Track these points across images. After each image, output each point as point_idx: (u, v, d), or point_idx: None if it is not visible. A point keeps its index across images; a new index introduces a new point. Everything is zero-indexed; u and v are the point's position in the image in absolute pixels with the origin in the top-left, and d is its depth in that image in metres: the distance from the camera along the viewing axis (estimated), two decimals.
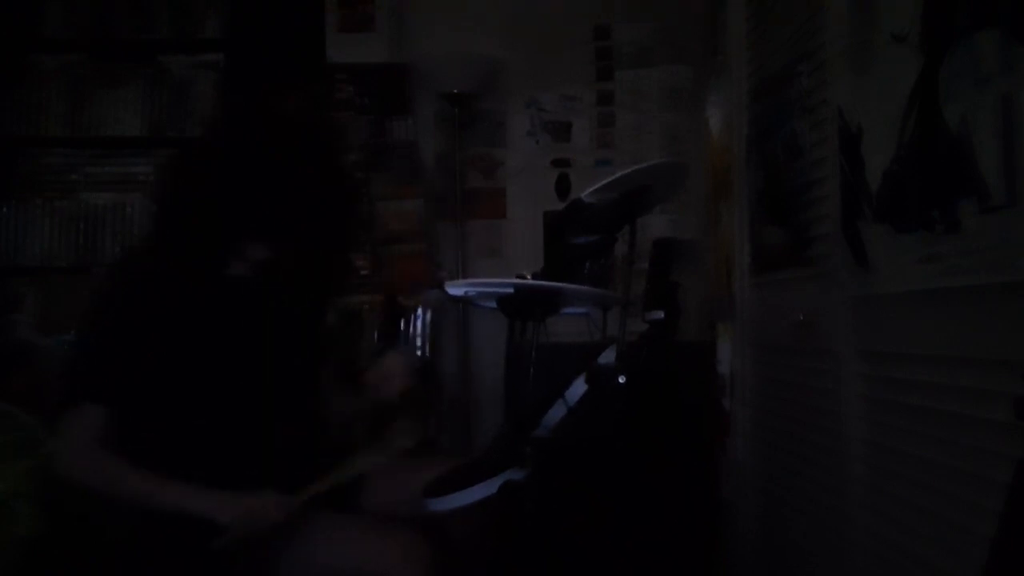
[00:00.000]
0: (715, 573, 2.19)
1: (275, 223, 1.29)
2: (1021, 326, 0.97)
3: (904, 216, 1.25)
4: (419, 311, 2.85)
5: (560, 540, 1.74)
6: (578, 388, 1.49)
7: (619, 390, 1.44)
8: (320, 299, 1.53)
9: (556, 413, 1.48)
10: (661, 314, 1.56)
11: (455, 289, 1.55)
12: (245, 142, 1.31)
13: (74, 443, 1.23)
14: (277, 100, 1.40)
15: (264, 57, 2.78)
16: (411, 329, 2.86)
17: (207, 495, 1.21)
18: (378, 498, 1.44)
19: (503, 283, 1.50)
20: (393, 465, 1.47)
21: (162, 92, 2.86)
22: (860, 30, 1.40)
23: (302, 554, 1.25)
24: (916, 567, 1.25)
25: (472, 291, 1.56)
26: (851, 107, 1.44)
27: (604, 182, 1.51)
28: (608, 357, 1.51)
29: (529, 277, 1.56)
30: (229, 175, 1.27)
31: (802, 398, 1.73)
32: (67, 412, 1.23)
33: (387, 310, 2.82)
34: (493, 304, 1.58)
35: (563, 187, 2.99)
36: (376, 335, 2.81)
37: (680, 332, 1.65)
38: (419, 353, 2.81)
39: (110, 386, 1.24)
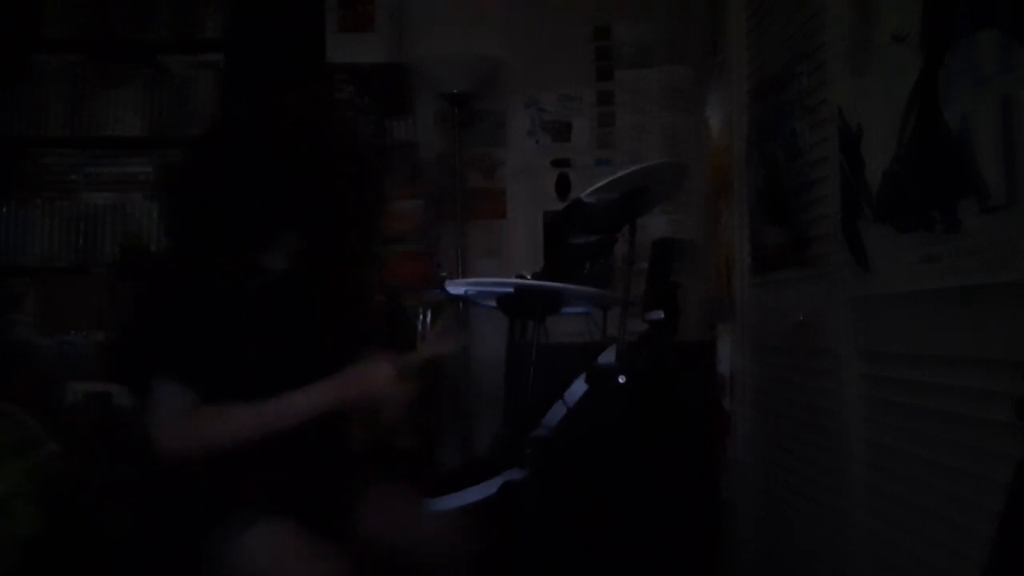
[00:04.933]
0: (715, 573, 2.19)
1: (310, 212, 1.31)
2: (1021, 326, 0.97)
3: (904, 216, 1.25)
4: (419, 311, 2.85)
5: (560, 540, 1.74)
6: (578, 388, 1.49)
7: (619, 390, 1.44)
8: (356, 284, 1.55)
9: (556, 413, 1.48)
10: (661, 314, 1.56)
11: (455, 289, 1.55)
12: (274, 133, 1.32)
13: (173, 416, 1.25)
14: (295, 93, 1.42)
15: (264, 57, 2.78)
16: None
17: (323, 387, 1.27)
18: (372, 524, 1.44)
19: (503, 283, 1.50)
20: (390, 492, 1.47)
21: (162, 92, 2.86)
22: (860, 30, 1.40)
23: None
24: (916, 567, 1.25)
25: (472, 291, 1.56)
26: (851, 107, 1.44)
27: (604, 182, 1.51)
28: (608, 357, 1.52)
29: (529, 277, 1.57)
30: (261, 168, 1.29)
31: (802, 398, 1.73)
32: (153, 393, 1.25)
33: (387, 310, 2.82)
34: (493, 304, 1.58)
35: (563, 187, 2.98)
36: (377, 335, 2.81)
37: (680, 332, 1.65)
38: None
39: (190, 366, 1.26)
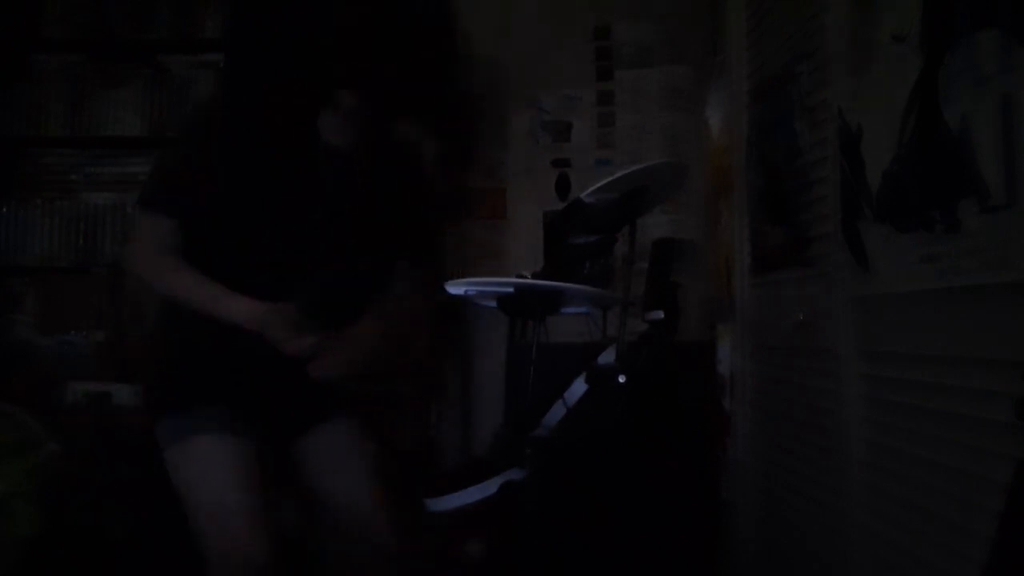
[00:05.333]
0: (715, 573, 2.19)
1: (361, 63, 1.27)
2: (1021, 326, 0.97)
3: (904, 216, 1.25)
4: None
5: (560, 540, 1.74)
6: (578, 388, 1.49)
7: (619, 390, 1.44)
8: (417, 174, 1.50)
9: (556, 413, 1.48)
10: (661, 314, 1.56)
11: (455, 289, 1.55)
12: None
13: (142, 245, 1.32)
14: None
15: (264, 57, 2.78)
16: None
17: (234, 300, 1.27)
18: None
19: (503, 283, 1.50)
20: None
21: (162, 92, 2.86)
22: (860, 30, 1.40)
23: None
24: (916, 567, 1.25)
25: (472, 291, 1.56)
26: (851, 107, 1.44)
27: (604, 182, 1.51)
28: (608, 357, 1.52)
29: (529, 277, 1.57)
30: (314, 17, 1.30)
31: (802, 398, 1.73)
32: (140, 220, 1.32)
33: None
34: (493, 304, 1.58)
35: (563, 187, 2.98)
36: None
37: (680, 332, 1.65)
38: None
39: (178, 202, 1.30)
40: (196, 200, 1.29)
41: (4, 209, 2.80)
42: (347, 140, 1.36)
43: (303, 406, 1.42)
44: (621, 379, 1.45)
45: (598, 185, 1.53)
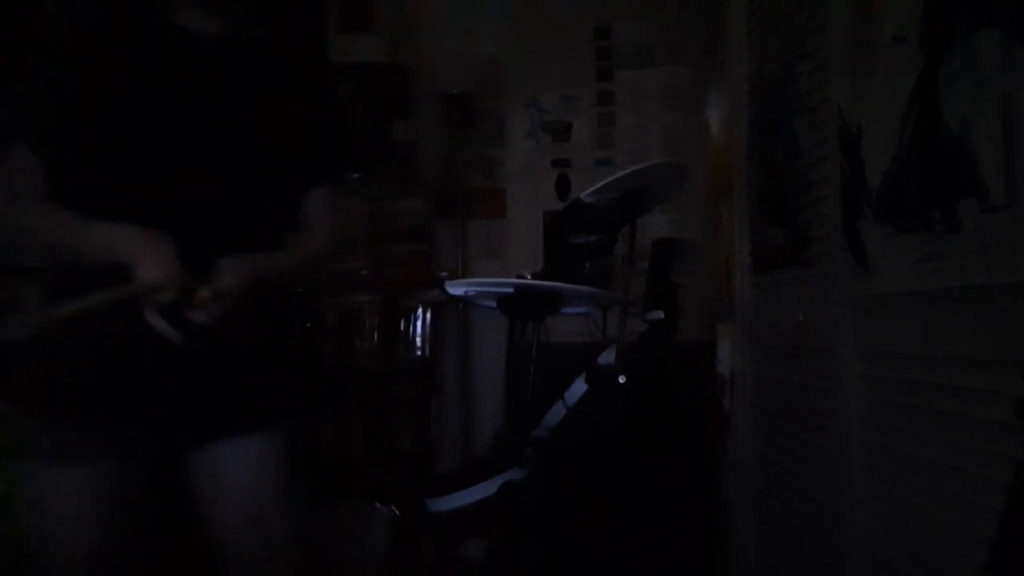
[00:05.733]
0: (715, 573, 2.19)
1: None
2: (1021, 326, 0.97)
3: (904, 216, 1.25)
4: (419, 311, 2.85)
5: (560, 540, 1.74)
6: (578, 388, 1.49)
7: (619, 390, 1.44)
8: (303, 75, 1.30)
9: (556, 413, 1.49)
10: (661, 314, 1.56)
11: (455, 289, 1.55)
12: None
13: (12, 193, 1.15)
14: None
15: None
16: (411, 329, 2.86)
17: (114, 232, 1.07)
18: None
19: (503, 283, 1.50)
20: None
21: None
22: (860, 30, 1.40)
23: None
24: (916, 567, 1.25)
25: (472, 291, 1.56)
26: (851, 107, 1.44)
27: (604, 182, 1.51)
28: (608, 357, 1.52)
29: (529, 277, 1.57)
30: None
31: (802, 398, 1.73)
32: (2, 160, 1.14)
33: (387, 310, 2.82)
34: (493, 304, 1.58)
35: (563, 187, 2.99)
36: (375, 335, 2.81)
37: (680, 332, 1.65)
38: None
39: (33, 125, 1.14)
40: (52, 116, 1.14)
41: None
42: (212, 29, 1.19)
43: (204, 413, 1.19)
44: (621, 379, 1.45)
45: (598, 185, 1.53)
